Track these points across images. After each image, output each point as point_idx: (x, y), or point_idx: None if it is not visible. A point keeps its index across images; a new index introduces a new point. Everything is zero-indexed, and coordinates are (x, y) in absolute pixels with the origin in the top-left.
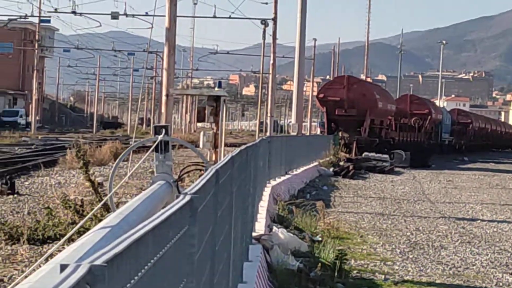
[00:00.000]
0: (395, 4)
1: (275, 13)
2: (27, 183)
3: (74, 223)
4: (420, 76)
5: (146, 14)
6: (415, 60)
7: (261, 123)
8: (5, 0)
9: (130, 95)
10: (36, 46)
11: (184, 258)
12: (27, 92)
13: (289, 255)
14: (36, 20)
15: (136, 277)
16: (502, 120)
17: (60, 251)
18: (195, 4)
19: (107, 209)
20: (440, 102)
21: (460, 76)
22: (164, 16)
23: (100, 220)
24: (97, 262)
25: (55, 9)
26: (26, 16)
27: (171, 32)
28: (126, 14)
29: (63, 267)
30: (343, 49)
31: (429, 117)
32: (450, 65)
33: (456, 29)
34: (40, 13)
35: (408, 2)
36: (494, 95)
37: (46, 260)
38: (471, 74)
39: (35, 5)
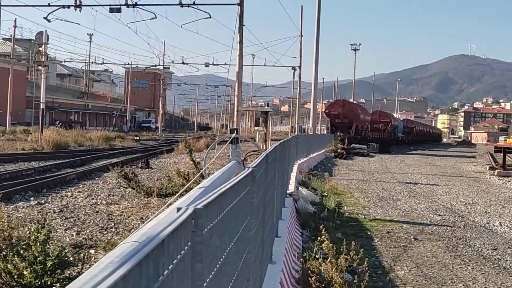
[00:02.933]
0: (372, 57)
1: (300, 63)
2: (156, 161)
3: (183, 185)
4: (385, 100)
5: (225, 64)
6: (382, 90)
7: (292, 127)
8: (143, 56)
9: (215, 111)
10: (161, 83)
11: (248, 205)
12: (156, 109)
13: (308, 204)
14: (161, 67)
15: (221, 215)
16: (433, 125)
17: (175, 201)
18: (253, 58)
19: (202, 176)
20: (396, 115)
21: (408, 99)
22: (235, 65)
23: (198, 183)
24: (199, 206)
25: (172, 61)
26: (155, 65)
27: (239, 74)
28: (213, 64)
29: (178, 209)
30: (340, 84)
31: (390, 123)
32: (402, 93)
33: (406, 72)
34: (163, 63)
35: (378, 57)
36: (428, 110)
37: (168, 206)
38: (415, 98)
39: (161, 59)
